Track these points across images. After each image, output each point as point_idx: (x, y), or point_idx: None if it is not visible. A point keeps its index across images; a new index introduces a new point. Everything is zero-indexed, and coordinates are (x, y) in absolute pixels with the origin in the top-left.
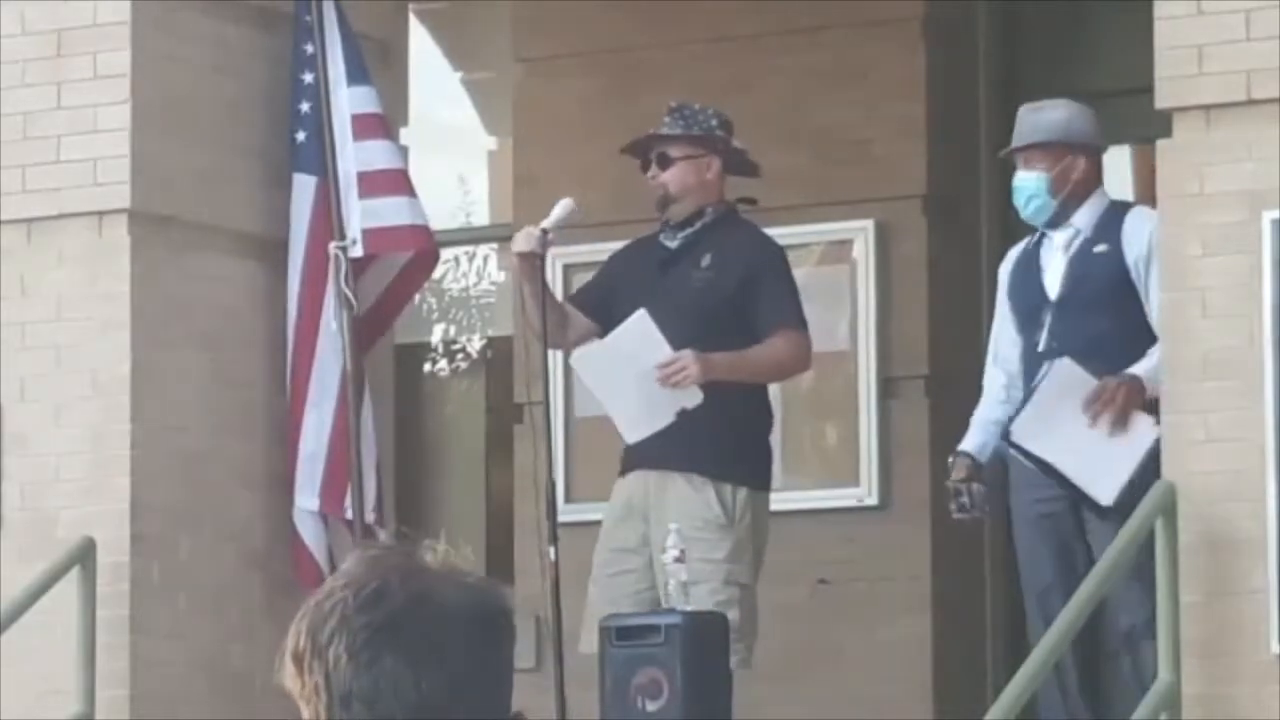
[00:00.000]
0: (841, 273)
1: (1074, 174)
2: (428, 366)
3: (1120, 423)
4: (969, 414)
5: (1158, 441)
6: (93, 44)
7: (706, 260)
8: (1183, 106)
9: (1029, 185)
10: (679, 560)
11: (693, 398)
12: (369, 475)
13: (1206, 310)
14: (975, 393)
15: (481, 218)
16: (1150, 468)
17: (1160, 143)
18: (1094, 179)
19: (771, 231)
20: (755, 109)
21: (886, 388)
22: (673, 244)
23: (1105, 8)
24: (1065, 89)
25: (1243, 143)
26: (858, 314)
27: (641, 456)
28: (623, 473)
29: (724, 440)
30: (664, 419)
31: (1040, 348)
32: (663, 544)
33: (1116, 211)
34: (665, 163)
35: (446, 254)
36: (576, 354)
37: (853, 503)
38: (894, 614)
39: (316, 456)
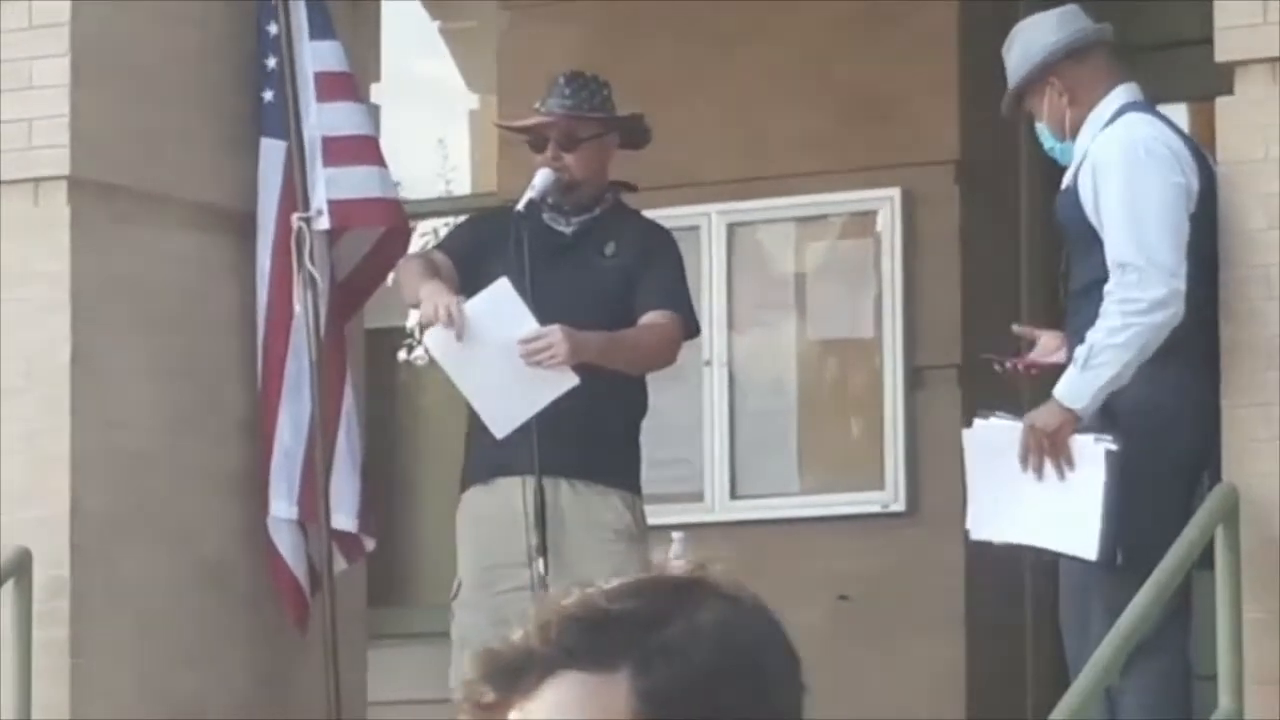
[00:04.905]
0: (864, 248)
1: (1062, 105)
2: (402, 354)
3: (1064, 462)
4: (1005, 407)
5: (1110, 457)
6: None
7: (610, 248)
8: (1246, 60)
9: (1043, 138)
10: None
11: (566, 381)
12: (350, 476)
13: (1273, 289)
14: (1012, 383)
15: (463, 185)
16: (1113, 490)
17: (1220, 101)
18: (1088, 94)
19: (787, 201)
20: (767, 63)
21: (914, 378)
22: (568, 230)
23: None
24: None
25: None
26: (882, 295)
27: (515, 462)
28: (482, 480)
29: (618, 444)
30: (533, 405)
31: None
32: (572, 555)
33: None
34: (570, 144)
35: (424, 226)
36: (429, 334)
37: (877, 509)
38: (923, 633)
39: (293, 456)
